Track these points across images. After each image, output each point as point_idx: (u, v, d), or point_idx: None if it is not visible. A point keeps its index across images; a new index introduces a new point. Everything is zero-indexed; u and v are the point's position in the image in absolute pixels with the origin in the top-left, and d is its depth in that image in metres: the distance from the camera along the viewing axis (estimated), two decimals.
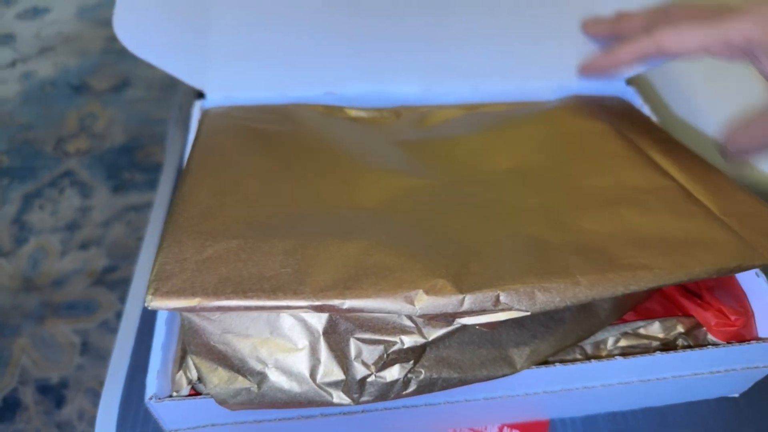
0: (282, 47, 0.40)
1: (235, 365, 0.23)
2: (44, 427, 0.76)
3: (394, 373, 0.23)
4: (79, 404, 0.79)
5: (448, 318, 0.22)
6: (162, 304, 0.20)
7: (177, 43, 0.37)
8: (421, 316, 0.22)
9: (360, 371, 0.23)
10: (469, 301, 0.21)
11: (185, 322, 0.24)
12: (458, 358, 0.24)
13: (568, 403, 0.30)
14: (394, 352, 0.23)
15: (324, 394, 0.23)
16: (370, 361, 0.23)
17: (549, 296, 0.22)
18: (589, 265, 0.23)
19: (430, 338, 0.23)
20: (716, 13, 0.31)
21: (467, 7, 0.41)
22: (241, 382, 0.23)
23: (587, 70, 0.39)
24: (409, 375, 0.23)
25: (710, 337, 0.30)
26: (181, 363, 0.27)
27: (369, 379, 0.23)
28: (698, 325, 0.30)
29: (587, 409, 0.32)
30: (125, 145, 1.09)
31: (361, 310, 0.21)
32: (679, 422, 0.32)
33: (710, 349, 0.28)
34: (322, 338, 0.23)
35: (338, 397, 0.23)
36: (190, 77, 0.38)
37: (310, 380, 0.23)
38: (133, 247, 0.94)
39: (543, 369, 0.27)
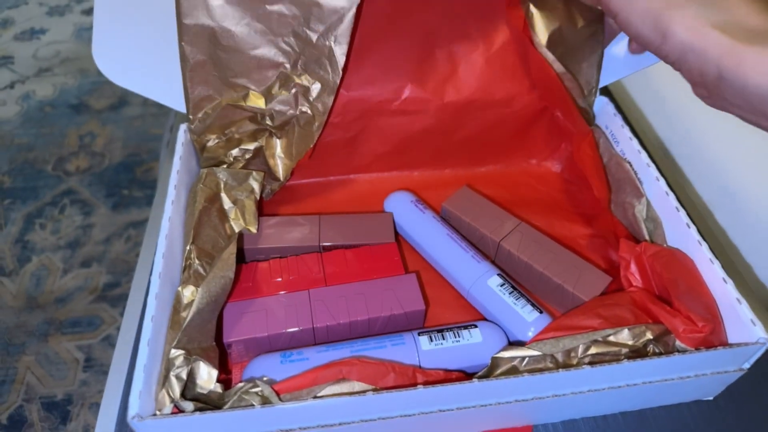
0: None
1: None
2: None
3: None
4: (84, 419, 0.80)
5: None
6: None
7: (157, 69, 0.38)
8: None
9: None
10: None
11: None
12: None
13: (546, 409, 0.31)
14: None
15: None
16: None
17: None
18: None
19: None
20: None
21: None
22: None
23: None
24: None
25: (679, 343, 0.30)
26: (164, 382, 0.28)
27: None
28: (667, 332, 0.31)
29: (567, 414, 0.32)
30: (124, 162, 1.11)
31: None
32: (659, 424, 0.33)
33: (678, 356, 0.29)
34: None
35: None
36: (173, 102, 0.39)
37: None
38: (133, 263, 0.95)
39: (512, 380, 0.27)
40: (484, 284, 0.36)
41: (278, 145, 0.38)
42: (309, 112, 0.37)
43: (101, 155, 1.13)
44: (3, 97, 1.27)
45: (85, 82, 1.29)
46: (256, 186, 0.38)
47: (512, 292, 0.35)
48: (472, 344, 0.32)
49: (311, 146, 0.37)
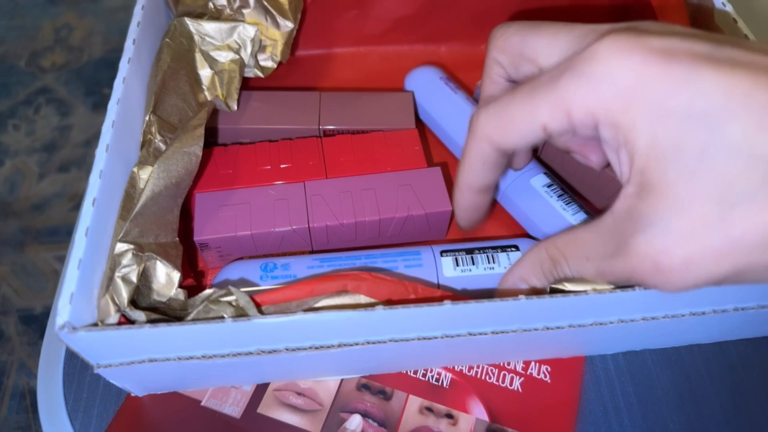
0: None
1: None
2: (28, 359, 0.73)
3: None
4: None
5: None
6: None
7: None
8: None
9: None
10: None
11: None
12: None
13: (605, 338, 0.24)
14: None
15: None
16: None
17: None
18: None
19: None
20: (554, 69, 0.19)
21: None
22: None
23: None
24: None
25: None
26: (108, 285, 0.21)
27: None
28: None
29: (629, 344, 0.26)
30: (104, 58, 1.00)
31: None
32: (747, 361, 0.26)
33: None
34: None
35: None
36: None
37: None
38: None
39: (568, 299, 0.20)
40: (525, 183, 0.28)
41: None
42: None
43: (79, 50, 1.02)
44: None
45: None
46: (246, 44, 0.29)
47: (561, 195, 0.27)
48: None
49: None
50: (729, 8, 0.29)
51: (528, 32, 0.21)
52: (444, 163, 0.31)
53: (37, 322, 0.76)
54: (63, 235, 0.83)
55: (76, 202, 0.85)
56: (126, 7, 1.07)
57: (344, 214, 0.26)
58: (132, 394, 0.25)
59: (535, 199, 0.28)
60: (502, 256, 0.26)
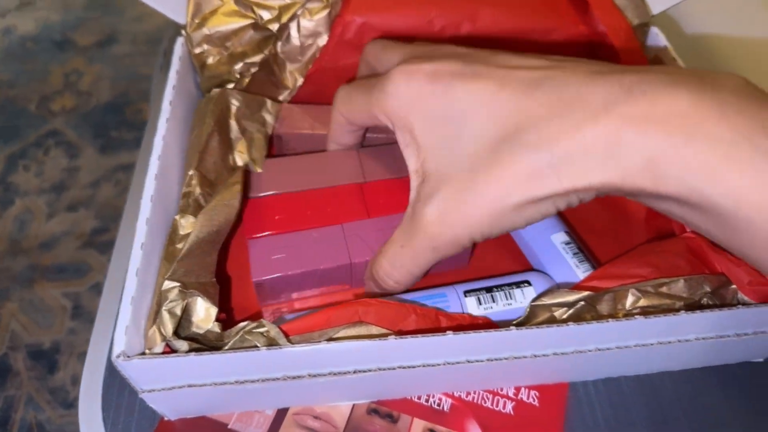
0: None
1: None
2: (37, 393, 0.74)
3: None
4: (73, 369, 0.77)
5: None
6: None
7: None
8: None
9: None
10: None
11: None
12: None
13: (585, 365, 0.28)
14: None
15: None
16: None
17: None
18: None
19: None
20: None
21: None
22: None
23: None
24: None
25: (741, 296, 0.27)
26: (155, 318, 0.24)
27: None
28: (727, 284, 0.27)
29: (606, 371, 0.29)
30: (112, 102, 1.05)
31: None
32: (710, 387, 0.30)
33: (741, 309, 0.25)
34: None
35: None
36: (172, 11, 0.35)
37: None
38: (123, 208, 0.90)
39: (552, 329, 0.24)
40: (546, 238, 0.31)
41: (286, 50, 0.34)
42: None
43: (88, 94, 1.07)
44: None
45: (69, 17, 1.21)
46: (269, 119, 0.34)
47: (576, 253, 0.31)
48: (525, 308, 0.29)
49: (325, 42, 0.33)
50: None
51: (386, 45, 0.28)
52: None
53: (45, 357, 0.77)
54: (71, 272, 0.85)
55: (83, 241, 0.88)
56: (131, 55, 1.12)
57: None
58: (165, 418, 0.28)
59: (552, 253, 0.31)
60: (517, 292, 0.29)
